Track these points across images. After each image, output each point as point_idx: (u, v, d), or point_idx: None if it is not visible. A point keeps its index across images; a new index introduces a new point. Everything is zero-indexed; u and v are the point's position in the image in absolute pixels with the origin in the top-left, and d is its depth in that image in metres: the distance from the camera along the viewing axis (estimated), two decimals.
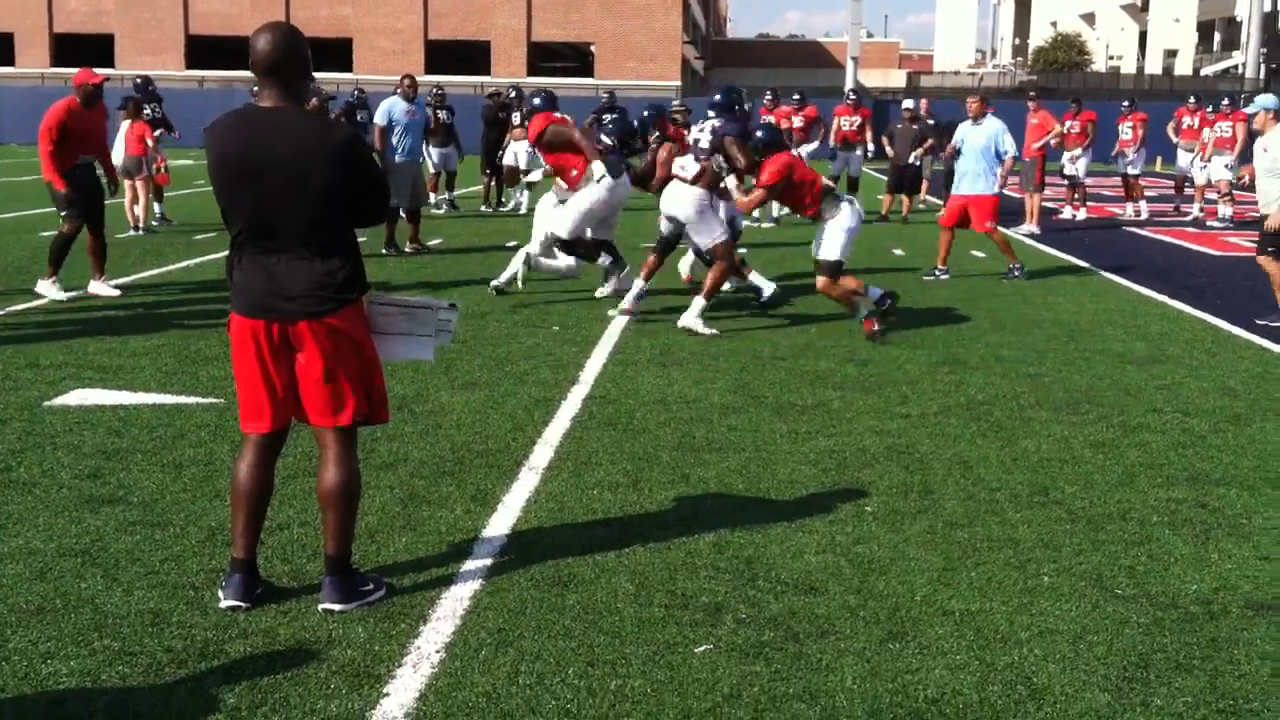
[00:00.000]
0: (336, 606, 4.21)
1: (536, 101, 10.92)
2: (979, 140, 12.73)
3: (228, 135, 4.05)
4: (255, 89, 4.38)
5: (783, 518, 5.24)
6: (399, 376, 7.70)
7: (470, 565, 4.65)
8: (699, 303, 9.50)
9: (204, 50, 60.65)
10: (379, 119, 14.05)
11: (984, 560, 4.79)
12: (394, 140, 14.03)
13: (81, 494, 5.35)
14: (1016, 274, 12.71)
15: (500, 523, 5.13)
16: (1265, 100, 10.51)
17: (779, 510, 5.35)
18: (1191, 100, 21.68)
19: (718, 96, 10.35)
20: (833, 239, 9.52)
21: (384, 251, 13.96)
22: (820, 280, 9.63)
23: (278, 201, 3.99)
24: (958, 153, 13.03)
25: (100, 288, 10.76)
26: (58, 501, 5.24)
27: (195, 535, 4.88)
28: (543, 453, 6.17)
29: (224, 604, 4.19)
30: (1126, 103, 21.36)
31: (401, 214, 14.07)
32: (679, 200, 9.79)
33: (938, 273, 12.79)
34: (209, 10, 61.20)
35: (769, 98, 20.46)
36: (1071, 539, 5.06)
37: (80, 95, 10.19)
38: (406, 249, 14.18)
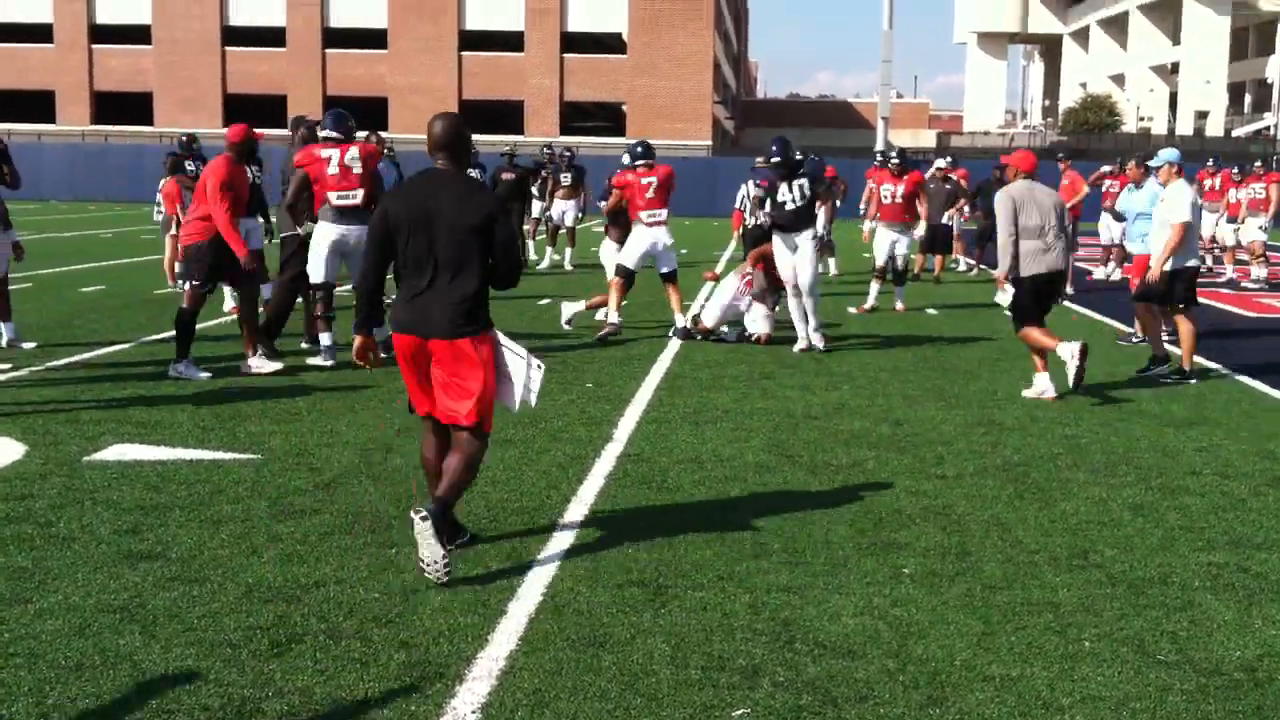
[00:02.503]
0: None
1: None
2: (1138, 204, 12.88)
3: (410, 190, 5.29)
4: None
5: (819, 579, 5.22)
6: None
7: (505, 625, 4.64)
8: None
9: (241, 108, 61.45)
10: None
11: (1024, 624, 4.75)
12: None
13: (120, 549, 5.38)
14: (1131, 341, 12.69)
15: (535, 581, 5.12)
16: (1169, 154, 10.60)
17: (815, 571, 5.32)
18: (1210, 163, 21.68)
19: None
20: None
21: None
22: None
23: (441, 242, 5.16)
24: (1120, 217, 13.44)
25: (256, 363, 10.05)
26: (97, 557, 5.27)
27: (233, 592, 4.89)
28: (577, 511, 6.17)
29: None
30: (1211, 161, 21.23)
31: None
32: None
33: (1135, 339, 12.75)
34: (246, 69, 62.17)
35: (798, 157, 20.51)
36: (1112, 603, 5.01)
37: (234, 152, 9.80)
38: None
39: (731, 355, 11.26)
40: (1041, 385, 9.59)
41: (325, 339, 10.30)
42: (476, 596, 4.92)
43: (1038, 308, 9.56)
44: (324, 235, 10.18)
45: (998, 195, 9.71)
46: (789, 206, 11.28)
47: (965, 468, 7.24)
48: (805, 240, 11.32)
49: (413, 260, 5.21)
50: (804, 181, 11.30)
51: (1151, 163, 11.22)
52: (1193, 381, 10.27)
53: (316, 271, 10.24)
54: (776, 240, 11.48)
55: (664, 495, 6.48)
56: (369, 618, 4.65)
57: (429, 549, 4.97)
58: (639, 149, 12.33)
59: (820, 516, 6.15)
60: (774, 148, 11.51)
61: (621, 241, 12.78)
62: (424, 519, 4.94)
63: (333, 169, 10.17)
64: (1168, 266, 10.25)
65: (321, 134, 10.32)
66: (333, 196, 10.16)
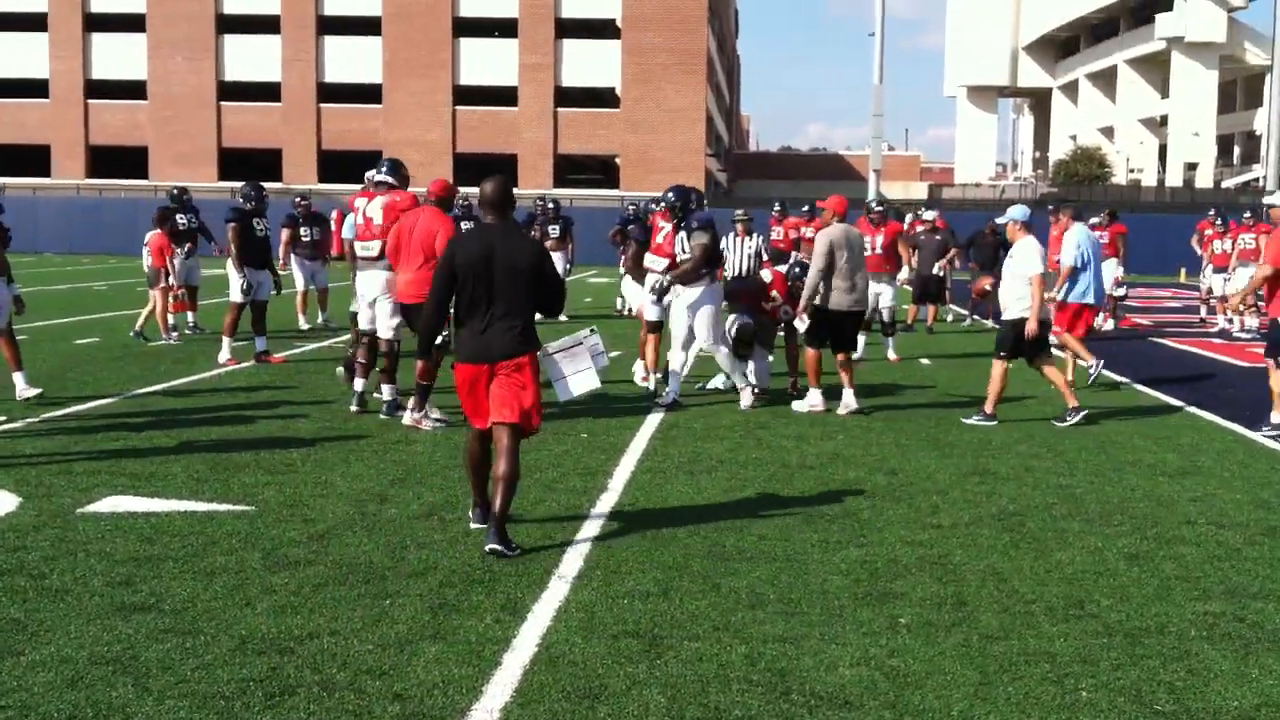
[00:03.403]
0: (498, 547, 6.18)
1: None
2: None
3: (471, 240, 6.48)
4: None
5: (815, 629, 5.20)
6: (429, 484, 7.74)
7: (500, 676, 4.61)
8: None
9: (236, 162, 61.86)
10: (346, 233, 13.77)
11: (1021, 675, 4.73)
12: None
13: (113, 601, 5.35)
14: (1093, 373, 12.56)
15: (530, 632, 5.10)
16: (1015, 212, 10.93)
17: (811, 621, 5.30)
18: (1211, 213, 21.89)
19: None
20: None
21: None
22: None
23: (499, 283, 6.30)
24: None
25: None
26: (89, 609, 5.25)
27: (226, 644, 4.86)
28: (572, 561, 6.15)
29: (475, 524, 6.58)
30: (1105, 213, 21.26)
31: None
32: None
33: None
34: (241, 123, 62.57)
35: (777, 208, 20.39)
36: (1109, 653, 4.99)
37: (440, 205, 9.93)
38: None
39: (726, 405, 11.26)
40: (814, 399, 11.00)
41: (359, 384, 10.58)
42: (471, 648, 4.89)
43: (837, 338, 10.93)
44: (354, 285, 10.71)
45: (819, 234, 10.90)
46: (680, 258, 11.00)
47: (960, 517, 7.24)
48: (691, 294, 10.99)
49: (471, 300, 6.34)
50: (683, 235, 10.94)
51: (998, 220, 11.57)
52: (992, 424, 10.46)
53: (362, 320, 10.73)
54: (673, 292, 11.15)
55: (659, 545, 6.46)
56: (363, 669, 4.62)
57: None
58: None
59: (816, 566, 6.14)
60: (669, 194, 11.16)
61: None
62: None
63: (360, 219, 10.50)
64: (1015, 315, 10.55)
65: (376, 179, 10.56)
66: (356, 246, 10.60)
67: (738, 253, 16.09)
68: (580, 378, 6.77)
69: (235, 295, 13.58)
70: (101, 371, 12.81)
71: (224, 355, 13.48)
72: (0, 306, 10.27)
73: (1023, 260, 10.56)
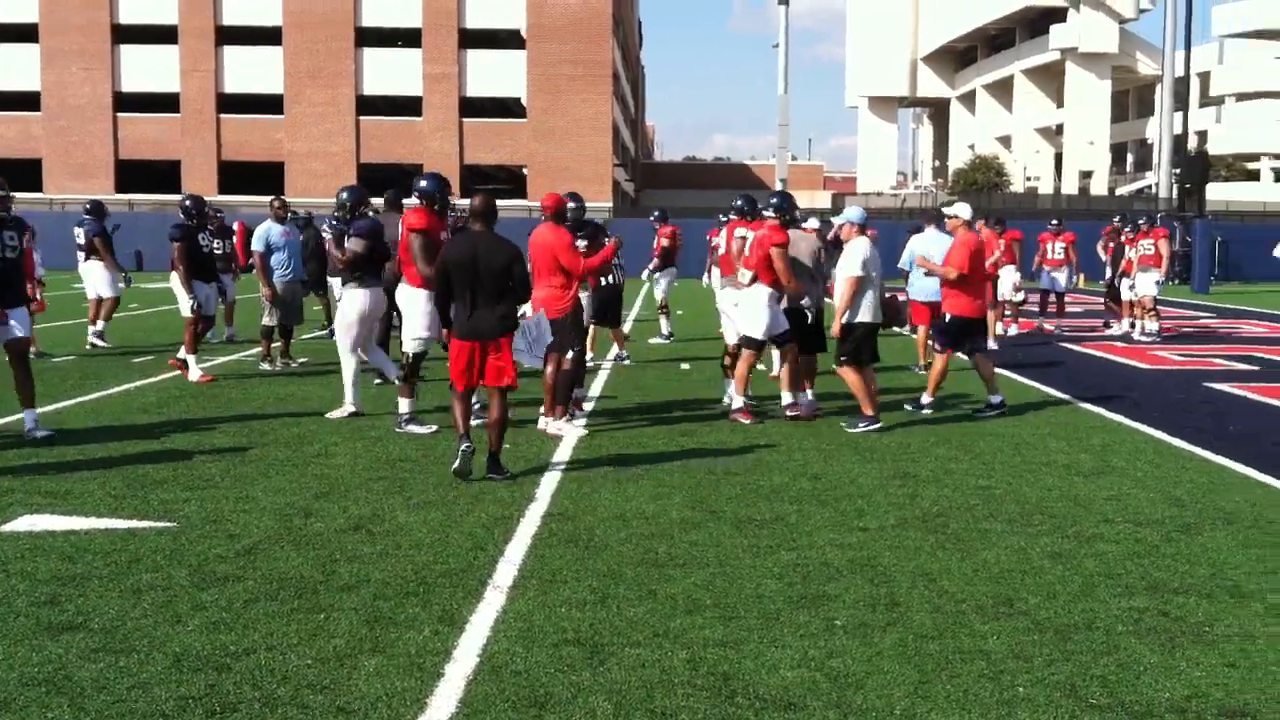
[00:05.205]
0: (497, 478, 8.18)
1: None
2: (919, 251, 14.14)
3: (460, 244, 8.22)
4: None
5: (754, 632, 5.24)
6: (352, 498, 7.66)
7: (443, 688, 4.58)
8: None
9: (134, 174, 60.65)
10: (256, 245, 14.01)
11: (958, 673, 4.81)
12: (273, 263, 14.00)
13: (40, 621, 5.22)
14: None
15: (470, 643, 5.07)
16: (850, 214, 11.00)
17: (749, 625, 5.34)
18: (1117, 220, 22.53)
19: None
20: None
21: (263, 366, 14.32)
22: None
23: (482, 279, 8.06)
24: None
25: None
26: (16, 630, 5.11)
27: (161, 661, 4.77)
28: (506, 571, 6.13)
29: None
30: (1055, 221, 22.08)
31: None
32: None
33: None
34: (139, 135, 61.34)
35: (656, 214, 20.54)
36: (1041, 649, 5.09)
37: (556, 219, 10.25)
38: (274, 365, 14.36)
39: (648, 413, 11.28)
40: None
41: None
42: (411, 660, 4.86)
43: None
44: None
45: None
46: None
47: (886, 520, 7.34)
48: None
49: (462, 292, 8.12)
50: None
51: (834, 220, 11.85)
52: (870, 427, 10.50)
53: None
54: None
55: (592, 554, 6.47)
56: (304, 684, 4.57)
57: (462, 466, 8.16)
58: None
59: (749, 571, 6.18)
60: (341, 194, 12.03)
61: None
62: (469, 450, 8.15)
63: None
64: (859, 319, 10.64)
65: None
66: None
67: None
68: (519, 353, 8.51)
69: (185, 311, 13.35)
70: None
71: (194, 375, 13.19)
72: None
73: (849, 260, 10.54)
